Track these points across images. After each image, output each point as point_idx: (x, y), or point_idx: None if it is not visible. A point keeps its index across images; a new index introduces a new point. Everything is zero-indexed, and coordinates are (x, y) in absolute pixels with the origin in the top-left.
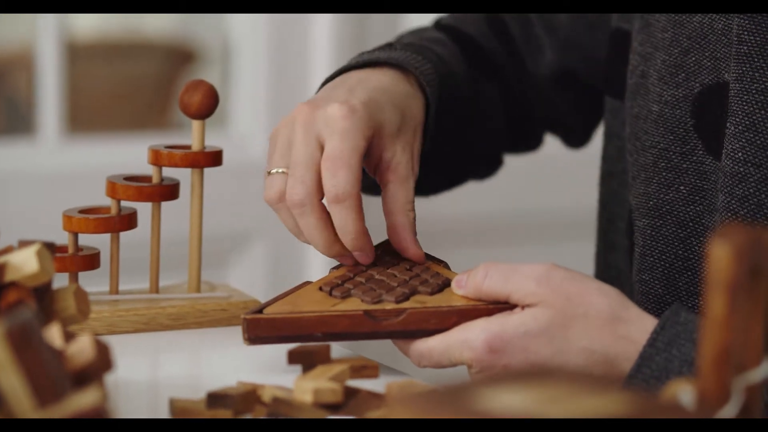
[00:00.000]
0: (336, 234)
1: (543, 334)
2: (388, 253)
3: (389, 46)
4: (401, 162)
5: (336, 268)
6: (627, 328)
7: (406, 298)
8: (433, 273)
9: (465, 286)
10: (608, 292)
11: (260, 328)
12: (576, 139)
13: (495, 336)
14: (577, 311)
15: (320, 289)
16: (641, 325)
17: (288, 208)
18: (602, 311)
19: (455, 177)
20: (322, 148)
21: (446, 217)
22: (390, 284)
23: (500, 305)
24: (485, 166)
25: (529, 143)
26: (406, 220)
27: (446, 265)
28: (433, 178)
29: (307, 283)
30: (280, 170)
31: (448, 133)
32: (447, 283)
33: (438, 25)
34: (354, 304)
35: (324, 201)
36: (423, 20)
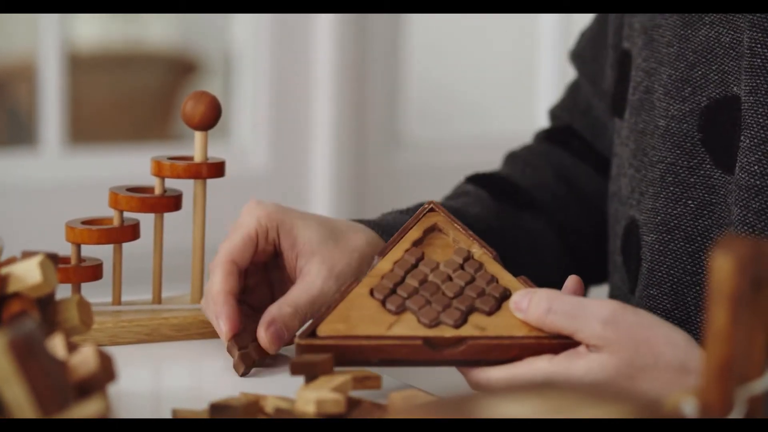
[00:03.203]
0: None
1: (609, 384)
2: (434, 243)
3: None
4: (311, 272)
5: (381, 254)
6: (696, 379)
7: (465, 320)
8: (488, 277)
9: (526, 313)
10: (676, 340)
11: (315, 353)
12: None
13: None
14: (646, 362)
15: (371, 294)
16: None
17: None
18: (671, 362)
19: None
20: None
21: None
22: (446, 295)
23: (564, 341)
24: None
25: (596, 273)
26: (278, 312)
27: (496, 257)
28: None
29: (357, 280)
30: None
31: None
32: (505, 295)
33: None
34: (411, 327)
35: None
36: (424, 20)
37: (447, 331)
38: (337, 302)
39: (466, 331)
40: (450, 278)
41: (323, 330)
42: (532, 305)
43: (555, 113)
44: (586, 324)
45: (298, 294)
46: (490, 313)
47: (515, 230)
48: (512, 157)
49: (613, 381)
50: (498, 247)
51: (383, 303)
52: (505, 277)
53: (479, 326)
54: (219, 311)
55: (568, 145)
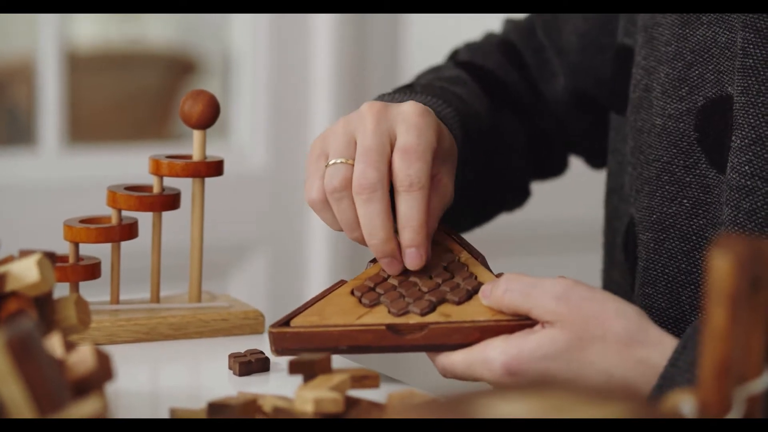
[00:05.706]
0: (393, 231)
1: (560, 358)
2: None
3: (409, 87)
4: (443, 182)
5: (374, 261)
6: (646, 351)
7: (432, 309)
8: (467, 275)
9: (489, 297)
10: (627, 313)
11: (286, 341)
12: (599, 159)
13: (512, 359)
14: (595, 334)
15: (352, 293)
16: (661, 348)
17: (351, 195)
18: (620, 334)
19: (485, 212)
20: (392, 143)
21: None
22: (421, 290)
23: (522, 321)
24: (513, 197)
25: (554, 168)
26: (433, 226)
27: (483, 260)
28: (463, 214)
29: (342, 282)
30: (340, 160)
31: (475, 171)
32: (478, 289)
33: (455, 60)
34: (379, 316)
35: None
36: (423, 20)
37: (412, 319)
38: (317, 300)
39: (430, 318)
40: (430, 277)
41: (297, 322)
42: (493, 289)
43: (508, 29)
44: (540, 301)
45: (441, 210)
46: (459, 303)
47: (505, 135)
48: (482, 50)
49: (564, 354)
50: (490, 150)
51: (360, 299)
52: (484, 275)
53: (445, 314)
54: (420, 242)
55: (524, 68)
